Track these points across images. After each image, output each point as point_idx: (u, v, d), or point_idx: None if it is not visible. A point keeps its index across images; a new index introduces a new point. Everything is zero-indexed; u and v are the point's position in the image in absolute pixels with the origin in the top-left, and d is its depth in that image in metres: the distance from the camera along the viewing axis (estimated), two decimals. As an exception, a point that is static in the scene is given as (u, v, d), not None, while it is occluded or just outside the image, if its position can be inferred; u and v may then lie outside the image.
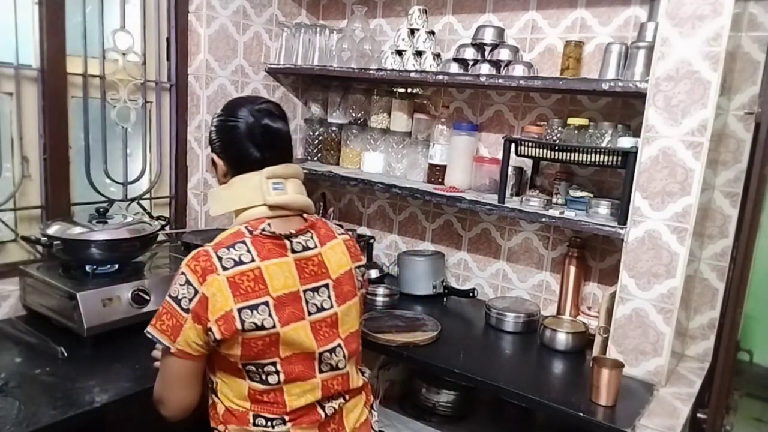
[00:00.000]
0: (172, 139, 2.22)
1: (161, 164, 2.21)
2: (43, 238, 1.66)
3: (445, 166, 2.19)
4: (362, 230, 2.61)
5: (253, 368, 1.17)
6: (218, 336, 1.11)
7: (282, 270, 1.18)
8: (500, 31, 2.01)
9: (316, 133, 2.56)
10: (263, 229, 1.19)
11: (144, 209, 2.18)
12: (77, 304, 1.55)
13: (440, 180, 2.20)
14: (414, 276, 2.22)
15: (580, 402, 1.51)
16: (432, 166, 2.22)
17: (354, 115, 2.45)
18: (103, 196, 2.03)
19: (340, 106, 2.47)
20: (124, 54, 2.02)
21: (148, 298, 1.66)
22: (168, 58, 2.16)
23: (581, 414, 1.46)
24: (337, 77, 2.34)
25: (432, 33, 2.17)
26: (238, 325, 1.11)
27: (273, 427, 1.19)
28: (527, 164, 2.10)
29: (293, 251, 1.22)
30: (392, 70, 2.14)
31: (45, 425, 1.24)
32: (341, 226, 1.54)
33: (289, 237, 1.21)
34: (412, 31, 2.19)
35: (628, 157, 1.65)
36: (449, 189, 2.10)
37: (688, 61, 1.52)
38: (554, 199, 1.94)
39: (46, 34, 1.78)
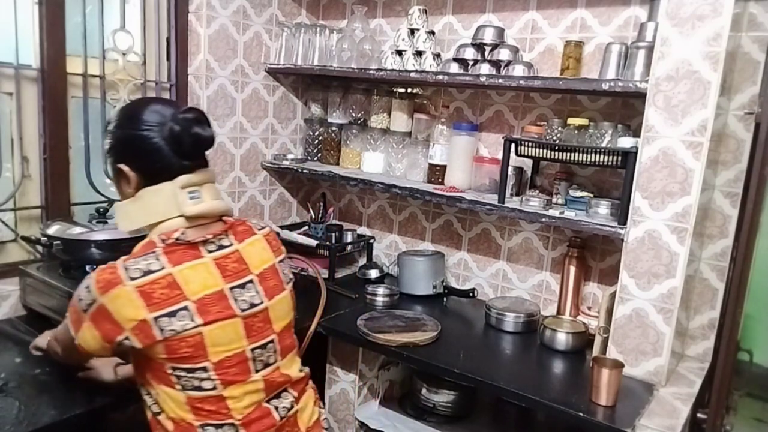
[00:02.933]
0: (172, 139, 2.21)
1: (161, 164, 2.21)
2: (43, 238, 1.66)
3: (445, 166, 2.19)
4: (362, 230, 2.61)
5: (184, 374, 1.12)
6: (138, 345, 1.09)
7: (198, 272, 1.14)
8: (500, 31, 2.01)
9: (316, 133, 2.56)
10: (176, 238, 1.14)
11: (144, 209, 2.17)
12: (77, 304, 1.54)
13: (440, 180, 2.20)
14: (414, 276, 2.22)
15: (580, 402, 1.51)
16: (432, 166, 2.22)
17: (354, 115, 2.45)
18: (103, 196, 2.03)
19: (340, 106, 2.47)
20: (124, 54, 2.02)
21: (148, 298, 1.66)
22: (168, 58, 2.16)
23: (581, 414, 1.46)
24: (337, 77, 2.34)
25: (432, 33, 2.17)
26: (157, 335, 1.08)
27: None
28: (527, 164, 2.10)
29: (208, 251, 1.17)
30: (392, 70, 2.14)
31: (45, 425, 1.24)
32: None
33: (205, 242, 1.18)
34: (412, 31, 2.19)
35: (628, 157, 1.65)
36: (449, 189, 2.10)
37: (688, 61, 1.52)
38: (554, 199, 1.94)
39: (46, 34, 1.78)
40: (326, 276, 2.32)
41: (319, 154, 2.56)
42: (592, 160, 1.73)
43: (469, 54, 2.03)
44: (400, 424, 1.98)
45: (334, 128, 2.50)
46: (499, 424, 2.02)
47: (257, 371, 1.20)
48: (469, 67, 2.04)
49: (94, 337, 1.11)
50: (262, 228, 1.33)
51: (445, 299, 2.23)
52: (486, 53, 2.02)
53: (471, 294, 2.18)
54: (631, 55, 1.72)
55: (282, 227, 2.51)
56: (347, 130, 2.46)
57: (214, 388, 1.14)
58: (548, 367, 1.75)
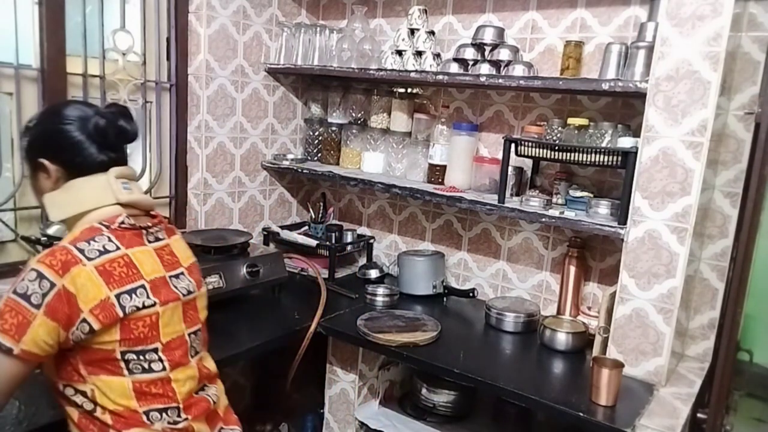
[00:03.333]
0: (172, 139, 2.22)
1: (161, 164, 2.21)
2: (43, 238, 1.66)
3: (445, 166, 2.19)
4: (362, 230, 2.61)
5: (134, 356, 1.14)
6: (96, 326, 1.08)
7: (146, 256, 1.20)
8: (500, 31, 2.01)
9: (316, 133, 2.56)
10: (121, 222, 1.18)
11: (144, 209, 2.17)
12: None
13: (440, 180, 2.20)
14: (414, 276, 2.22)
15: (580, 402, 1.51)
16: (432, 166, 2.22)
17: (354, 115, 2.45)
18: (103, 196, 2.03)
19: (340, 106, 2.47)
20: (124, 54, 2.02)
21: (147, 298, 1.66)
22: (168, 58, 2.16)
23: (581, 414, 1.46)
24: (337, 77, 2.34)
25: (432, 33, 2.17)
26: (119, 312, 1.10)
27: (170, 416, 1.18)
28: (527, 164, 2.10)
29: (149, 241, 1.23)
30: (392, 70, 2.14)
31: (45, 425, 1.24)
32: None
33: (145, 228, 1.23)
34: (412, 31, 2.19)
35: (628, 157, 1.65)
36: (449, 189, 2.10)
37: (688, 61, 1.52)
38: (554, 199, 1.94)
39: (46, 34, 1.78)
40: (326, 276, 2.32)
41: (319, 154, 2.56)
42: (592, 160, 1.73)
43: (469, 54, 2.03)
44: (400, 424, 1.98)
45: (334, 128, 2.50)
46: (499, 424, 2.02)
47: (192, 357, 1.27)
48: (469, 67, 2.04)
49: (49, 332, 1.06)
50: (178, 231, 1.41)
51: (445, 299, 2.23)
52: (486, 53, 2.02)
53: (471, 294, 2.19)
54: (631, 55, 1.72)
55: (282, 227, 2.51)
56: (347, 130, 2.46)
57: (163, 369, 1.18)
58: (548, 367, 1.75)
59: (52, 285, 1.06)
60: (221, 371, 1.42)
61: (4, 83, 1.75)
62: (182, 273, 1.29)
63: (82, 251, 1.10)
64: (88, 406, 1.14)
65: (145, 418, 1.15)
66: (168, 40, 2.15)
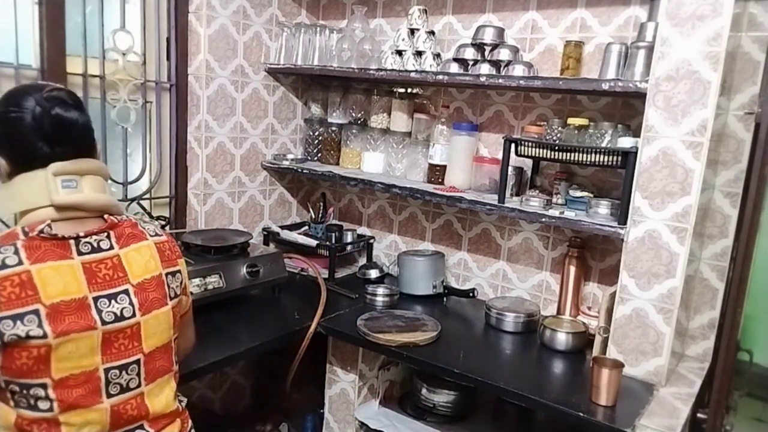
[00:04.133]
0: (172, 139, 2.22)
1: (161, 164, 2.21)
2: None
3: (445, 166, 2.19)
4: (362, 230, 2.61)
5: (17, 389, 0.99)
6: None
7: (60, 274, 1.02)
8: (500, 31, 2.01)
9: (316, 133, 2.56)
10: (41, 231, 1.02)
11: (144, 209, 2.18)
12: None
13: (440, 180, 2.20)
14: (414, 276, 2.22)
15: (580, 402, 1.51)
16: (432, 166, 2.22)
17: (354, 115, 2.45)
18: (103, 196, 2.03)
19: (340, 106, 2.47)
20: (124, 54, 2.02)
21: (147, 298, 1.66)
22: (168, 58, 2.16)
23: (581, 414, 1.46)
24: (337, 77, 2.34)
25: (432, 33, 2.17)
26: (8, 338, 0.95)
27: None
28: (527, 164, 2.10)
29: (80, 253, 1.05)
30: (392, 70, 2.14)
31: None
32: (164, 228, 1.39)
33: (75, 238, 1.06)
34: (412, 31, 2.19)
35: (628, 157, 1.65)
36: (449, 189, 2.10)
37: (688, 61, 1.52)
38: (554, 199, 1.94)
39: (46, 34, 1.78)
40: (326, 276, 2.32)
41: (319, 154, 2.56)
42: (592, 160, 1.73)
43: (469, 54, 2.03)
44: (400, 424, 1.98)
45: (334, 128, 2.50)
46: (499, 424, 2.02)
47: (109, 396, 1.07)
48: (469, 67, 2.04)
49: None
50: (158, 235, 1.21)
51: (445, 299, 2.23)
52: (486, 53, 2.02)
53: (471, 294, 2.19)
54: (631, 55, 1.72)
55: (282, 227, 2.51)
56: (347, 130, 2.46)
57: (50, 410, 1.01)
58: (548, 367, 1.75)
59: None
60: (221, 371, 1.40)
61: (4, 83, 1.75)
62: (124, 292, 1.08)
63: None
64: None
65: None
66: (168, 40, 2.15)
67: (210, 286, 1.83)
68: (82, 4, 1.89)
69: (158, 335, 1.14)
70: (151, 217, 2.18)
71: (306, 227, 2.55)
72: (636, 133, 1.73)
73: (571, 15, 1.99)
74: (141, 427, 1.13)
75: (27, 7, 1.76)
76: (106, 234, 1.10)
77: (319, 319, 1.90)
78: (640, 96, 1.63)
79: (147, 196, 2.19)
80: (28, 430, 1.01)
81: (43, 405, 1.01)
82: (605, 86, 1.66)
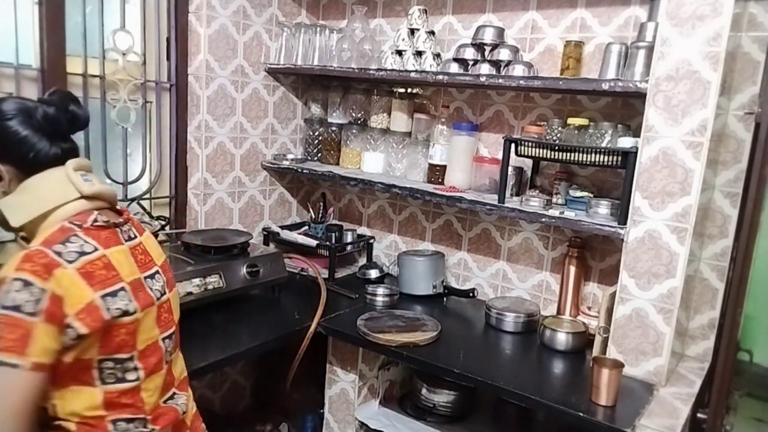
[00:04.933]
0: (172, 139, 2.22)
1: (161, 164, 2.21)
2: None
3: (445, 166, 2.19)
4: (362, 230, 2.61)
5: (111, 364, 1.07)
6: (83, 330, 1.01)
7: (125, 257, 1.13)
8: (500, 31, 2.01)
9: (316, 133, 2.56)
10: (95, 220, 1.10)
11: (144, 209, 2.18)
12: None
13: (440, 180, 2.20)
14: (414, 276, 2.22)
15: (580, 402, 1.51)
16: (432, 166, 2.22)
17: (354, 115, 2.45)
18: (103, 196, 2.03)
19: (340, 106, 2.47)
20: (124, 54, 2.02)
21: (148, 298, 1.66)
22: (168, 58, 2.16)
23: (581, 414, 1.46)
24: (337, 77, 2.34)
25: (432, 33, 2.17)
26: (105, 314, 1.04)
27: (136, 427, 1.11)
28: (527, 164, 2.10)
29: (125, 240, 1.16)
30: (392, 70, 2.14)
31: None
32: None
33: (118, 225, 1.16)
34: (412, 31, 2.19)
35: (628, 157, 1.65)
36: (449, 189, 2.10)
37: (688, 61, 1.52)
38: (554, 199, 1.94)
39: (46, 34, 1.78)
40: (326, 276, 2.32)
41: (319, 154, 2.56)
42: (592, 160, 1.73)
43: (469, 54, 2.03)
44: (400, 424, 1.98)
45: (334, 128, 2.50)
46: (499, 424, 2.02)
47: (165, 363, 1.20)
48: (469, 67, 2.04)
49: (53, 337, 0.99)
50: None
51: (445, 299, 2.23)
52: (486, 53, 2.02)
53: (471, 294, 2.19)
54: (631, 55, 1.72)
55: (282, 227, 2.51)
56: (347, 130, 2.46)
57: (137, 379, 1.11)
58: (548, 367, 1.75)
59: (42, 290, 0.98)
60: (221, 371, 1.41)
61: (4, 83, 1.75)
62: (157, 272, 1.21)
63: (59, 254, 1.02)
64: (48, 422, 1.06)
65: (111, 427, 1.08)
66: (168, 40, 2.15)
67: (210, 286, 1.83)
68: (82, 4, 1.89)
69: (176, 310, 1.28)
70: (151, 217, 2.18)
71: (306, 227, 2.55)
72: (636, 133, 1.73)
73: (571, 15, 1.99)
74: (174, 393, 1.25)
75: (27, 7, 1.76)
76: (129, 224, 1.21)
77: (319, 319, 1.90)
78: (640, 96, 1.63)
79: (147, 196, 2.18)
80: (117, 401, 1.09)
81: (131, 376, 1.11)
82: (605, 86, 1.66)
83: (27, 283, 0.98)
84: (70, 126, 1.14)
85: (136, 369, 1.11)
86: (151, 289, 1.17)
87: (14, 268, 1.00)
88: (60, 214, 1.09)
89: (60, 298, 1.00)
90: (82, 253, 1.05)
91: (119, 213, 1.21)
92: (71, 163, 1.12)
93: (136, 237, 1.20)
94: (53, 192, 1.10)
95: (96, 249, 1.07)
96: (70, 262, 1.02)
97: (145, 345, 1.13)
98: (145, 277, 1.17)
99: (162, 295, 1.20)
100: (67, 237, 1.05)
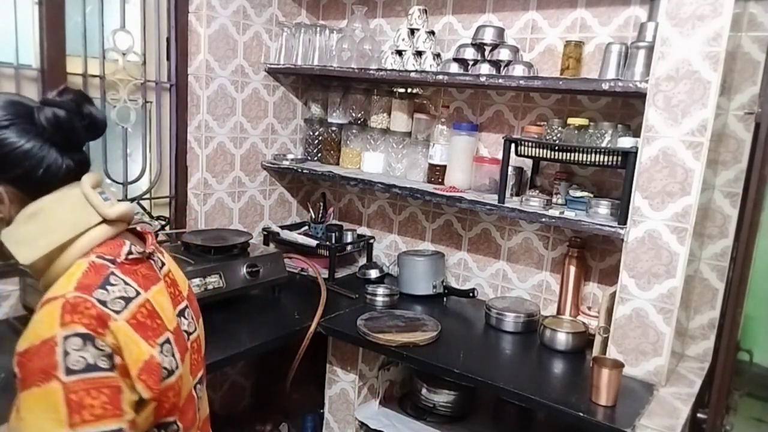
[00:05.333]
0: (172, 139, 2.22)
1: (161, 164, 2.21)
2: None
3: (445, 166, 2.19)
4: (362, 230, 2.61)
5: (155, 429, 0.89)
6: (146, 394, 0.83)
7: (165, 298, 0.93)
8: (500, 31, 2.01)
9: (316, 133, 2.56)
10: (128, 253, 0.89)
11: (144, 209, 2.18)
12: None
13: (440, 180, 2.20)
14: (414, 276, 2.22)
15: (580, 402, 1.51)
16: (432, 166, 2.22)
17: (354, 115, 2.45)
18: (103, 196, 2.03)
19: (340, 106, 2.47)
20: (124, 54, 2.02)
21: (148, 298, 1.66)
22: (168, 58, 2.16)
23: (581, 414, 1.46)
24: (337, 77, 2.34)
25: (432, 33, 2.17)
26: (163, 374, 0.86)
27: None
28: (527, 164, 2.10)
29: (159, 270, 0.96)
30: (392, 70, 2.14)
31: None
32: None
33: (150, 256, 0.95)
34: (412, 31, 2.19)
35: (628, 157, 1.65)
36: (449, 189, 2.10)
37: (688, 61, 1.52)
38: (554, 199, 1.94)
39: (46, 34, 1.78)
40: (326, 276, 2.32)
41: (319, 154, 2.56)
42: (592, 160, 1.73)
43: (469, 54, 2.03)
44: (400, 424, 1.98)
45: (334, 128, 2.50)
46: (499, 424, 2.02)
47: (198, 410, 1.00)
48: (469, 67, 2.04)
49: (132, 390, 0.82)
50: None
51: (445, 299, 2.23)
52: (486, 53, 2.02)
53: (471, 294, 2.18)
54: (631, 55, 1.72)
55: (282, 227, 2.51)
56: (347, 130, 2.46)
57: None
58: (548, 367, 1.75)
59: (104, 344, 0.79)
60: (221, 371, 1.41)
61: (4, 83, 1.75)
62: (186, 307, 1.01)
63: (104, 303, 0.81)
64: None
65: None
66: (168, 40, 2.15)
67: (210, 286, 1.83)
68: (82, 4, 1.89)
69: (203, 345, 1.07)
70: (151, 217, 2.18)
71: (306, 227, 2.55)
72: (636, 133, 1.73)
73: (571, 15, 1.99)
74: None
75: (27, 7, 1.76)
76: (152, 247, 0.99)
77: (319, 319, 1.90)
78: (640, 96, 1.63)
79: (147, 196, 2.19)
80: None
81: None
82: (605, 86, 1.66)
83: (85, 338, 0.78)
84: (86, 133, 0.91)
85: (177, 428, 0.92)
86: (185, 332, 0.97)
87: (57, 323, 0.78)
88: (82, 245, 0.88)
89: (122, 353, 0.81)
90: (128, 299, 0.84)
91: (140, 236, 0.99)
92: (87, 179, 0.91)
93: (164, 265, 0.99)
94: (71, 217, 0.88)
95: (138, 293, 0.86)
96: (118, 312, 0.82)
97: (184, 399, 0.93)
98: (178, 314, 0.97)
99: (191, 334, 0.99)
100: (106, 278, 0.84)
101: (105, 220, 0.90)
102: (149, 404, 0.84)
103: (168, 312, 0.91)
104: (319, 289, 2.06)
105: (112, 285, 0.83)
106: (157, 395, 0.84)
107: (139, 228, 1.00)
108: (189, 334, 0.98)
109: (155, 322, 0.87)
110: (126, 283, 0.85)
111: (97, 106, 0.95)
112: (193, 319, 1.01)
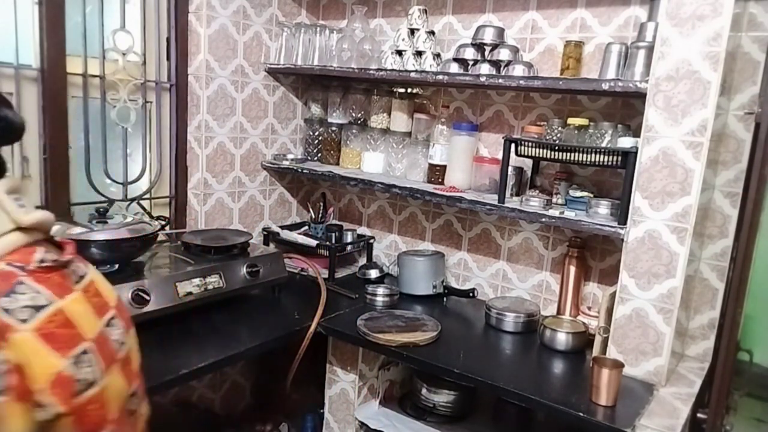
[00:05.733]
0: (172, 139, 2.22)
1: (161, 164, 2.21)
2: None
3: (445, 166, 2.19)
4: (362, 230, 2.61)
5: None
6: (61, 408, 0.76)
7: (82, 307, 0.86)
8: (500, 31, 2.01)
9: (316, 133, 2.56)
10: (41, 260, 0.82)
11: (144, 209, 2.18)
12: (77, 304, 1.54)
13: (440, 180, 2.20)
14: (414, 276, 2.22)
15: (580, 402, 1.51)
16: (432, 166, 2.22)
17: (354, 115, 2.45)
18: (103, 196, 2.03)
19: (340, 106, 2.47)
20: (124, 54, 2.02)
21: (148, 298, 1.66)
22: (168, 58, 2.16)
23: (581, 414, 1.46)
24: (337, 77, 2.34)
25: (432, 33, 2.17)
26: (77, 387, 0.79)
27: None
28: (527, 164, 2.10)
29: (75, 282, 0.87)
30: (392, 70, 2.14)
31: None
32: None
33: (66, 264, 0.87)
34: (412, 31, 2.19)
35: (628, 157, 1.65)
36: (449, 189, 2.10)
37: (688, 61, 1.52)
38: (554, 199, 1.94)
39: (46, 34, 1.78)
40: (326, 276, 2.32)
41: (319, 154, 2.56)
42: (592, 160, 1.73)
43: (469, 54, 2.03)
44: (400, 424, 1.98)
45: (334, 128, 2.50)
46: (499, 424, 2.02)
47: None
48: (469, 67, 2.04)
49: (28, 417, 0.76)
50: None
51: (445, 299, 2.23)
52: (486, 53, 2.02)
53: (471, 294, 2.18)
54: (631, 55, 1.72)
55: (282, 227, 2.51)
56: (347, 130, 2.46)
57: None
58: (548, 367, 1.75)
59: (3, 361, 0.72)
60: (221, 371, 1.40)
61: (4, 83, 1.75)
62: (113, 317, 0.93)
63: (7, 311, 0.74)
64: None
65: None
66: (168, 40, 2.15)
67: (210, 286, 1.83)
68: (82, 4, 1.89)
69: (137, 355, 1.01)
70: (151, 217, 2.18)
71: (306, 227, 2.55)
72: (636, 133, 1.73)
73: (571, 15, 1.99)
74: None
75: (27, 7, 1.76)
76: (72, 257, 0.92)
77: (319, 319, 1.90)
78: (640, 96, 1.63)
79: (147, 196, 2.19)
80: None
81: None
82: (605, 86, 1.66)
83: None
84: (2, 136, 0.85)
85: None
86: (117, 341, 0.91)
87: None
88: None
89: (22, 368, 0.73)
90: (36, 308, 0.77)
91: (59, 246, 0.91)
92: (3, 184, 0.83)
93: (84, 275, 0.90)
94: None
95: (50, 302, 0.79)
96: (24, 321, 0.75)
97: (118, 412, 0.88)
98: (105, 325, 0.89)
99: (122, 344, 0.93)
100: (12, 286, 0.77)
101: (19, 228, 0.84)
102: (65, 419, 0.78)
103: (86, 321, 0.84)
104: (319, 289, 2.06)
105: (20, 294, 0.77)
106: (74, 408, 0.79)
107: (58, 238, 0.94)
108: (120, 344, 0.92)
109: (70, 331, 0.81)
110: (36, 292, 0.79)
111: (16, 110, 0.86)
112: (123, 331, 0.95)
